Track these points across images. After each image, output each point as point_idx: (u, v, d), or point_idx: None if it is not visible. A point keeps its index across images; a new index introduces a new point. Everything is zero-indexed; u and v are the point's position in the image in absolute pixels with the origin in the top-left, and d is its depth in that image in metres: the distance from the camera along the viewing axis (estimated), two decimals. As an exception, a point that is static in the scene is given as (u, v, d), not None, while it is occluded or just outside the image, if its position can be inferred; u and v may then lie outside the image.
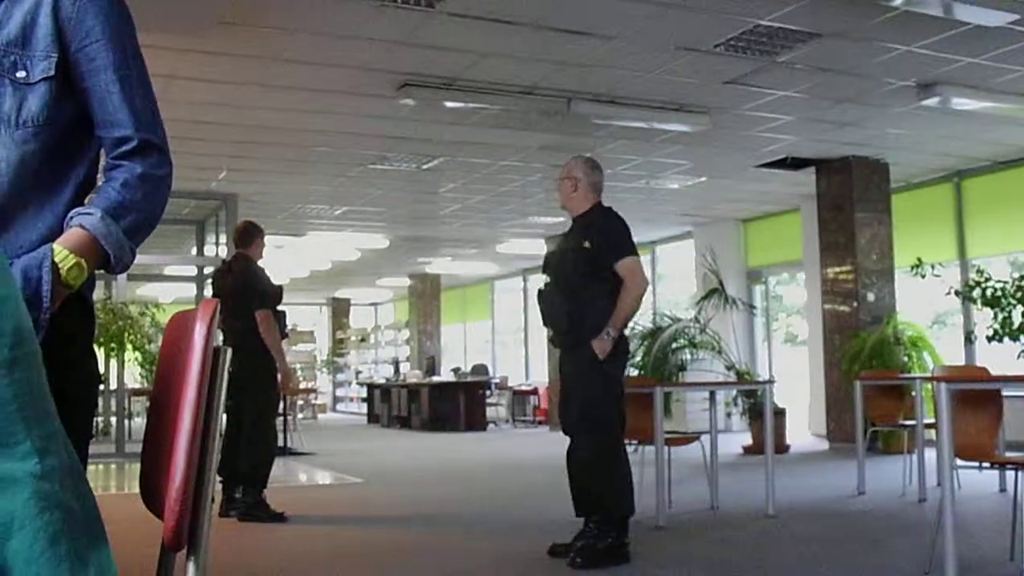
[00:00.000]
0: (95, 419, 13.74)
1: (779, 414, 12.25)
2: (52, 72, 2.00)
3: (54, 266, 1.89)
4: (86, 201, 2.10)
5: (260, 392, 7.38)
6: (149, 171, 2.08)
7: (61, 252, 1.91)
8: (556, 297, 5.81)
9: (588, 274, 5.68)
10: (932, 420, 7.14)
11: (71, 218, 1.99)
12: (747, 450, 12.31)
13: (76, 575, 1.23)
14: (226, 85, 8.84)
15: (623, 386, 5.85)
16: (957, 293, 9.88)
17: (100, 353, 12.57)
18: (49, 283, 1.87)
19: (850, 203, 12.45)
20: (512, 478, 10.65)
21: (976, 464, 5.30)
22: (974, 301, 9.43)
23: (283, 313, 7.66)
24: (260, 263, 7.67)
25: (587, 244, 5.72)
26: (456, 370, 20.87)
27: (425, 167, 12.30)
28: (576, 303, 5.68)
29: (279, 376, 7.47)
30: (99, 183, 2.13)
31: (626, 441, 5.97)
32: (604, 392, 5.69)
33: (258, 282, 7.49)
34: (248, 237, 7.68)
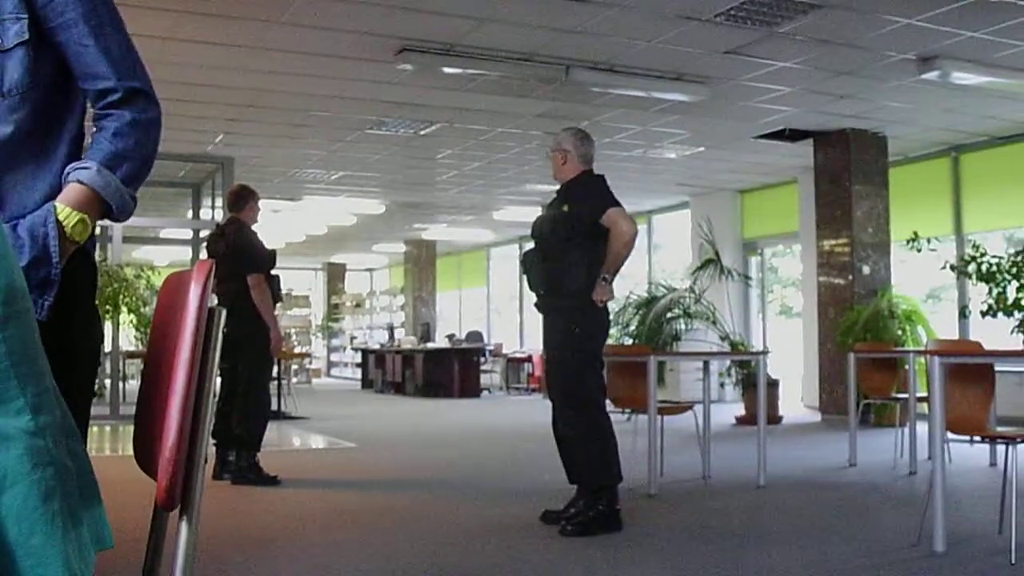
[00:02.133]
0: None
1: (772, 385, 12.29)
2: (26, 35, 1.99)
3: (58, 223, 1.91)
4: (83, 154, 2.10)
5: (254, 356, 7.38)
6: (138, 116, 2.08)
7: (64, 210, 1.93)
8: (536, 261, 5.88)
9: (566, 239, 5.72)
10: (925, 394, 7.16)
11: (68, 174, 1.99)
12: (740, 420, 12.35)
13: (69, 531, 1.24)
14: (223, 47, 8.79)
15: (601, 356, 5.88)
16: (952, 268, 9.89)
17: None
18: (56, 238, 1.89)
19: (847, 176, 12.43)
20: (505, 444, 10.69)
21: (967, 438, 5.32)
22: (969, 276, 9.43)
23: (277, 277, 7.63)
24: (255, 227, 7.64)
25: (566, 208, 5.78)
26: (451, 336, 20.89)
27: (423, 133, 12.27)
28: (553, 266, 5.73)
29: (271, 340, 7.46)
30: (88, 130, 2.13)
31: (617, 409, 6.00)
32: (581, 363, 5.74)
33: (250, 246, 7.47)
34: (241, 201, 7.66)
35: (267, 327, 7.39)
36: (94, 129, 2.09)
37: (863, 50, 8.93)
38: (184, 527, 1.47)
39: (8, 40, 1.98)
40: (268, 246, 7.63)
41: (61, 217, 1.92)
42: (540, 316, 5.99)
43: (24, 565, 1.18)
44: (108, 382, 12.93)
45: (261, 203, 7.86)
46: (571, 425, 5.73)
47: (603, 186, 5.85)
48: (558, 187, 6.00)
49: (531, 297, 6.09)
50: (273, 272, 7.57)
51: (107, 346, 13.73)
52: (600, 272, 5.67)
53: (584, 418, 5.71)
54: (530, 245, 6.09)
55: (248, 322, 7.24)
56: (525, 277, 6.09)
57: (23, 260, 1.88)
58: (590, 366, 5.77)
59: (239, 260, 7.32)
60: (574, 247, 5.68)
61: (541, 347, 6.06)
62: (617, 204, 5.73)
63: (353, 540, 5.57)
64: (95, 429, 11.71)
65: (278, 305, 7.77)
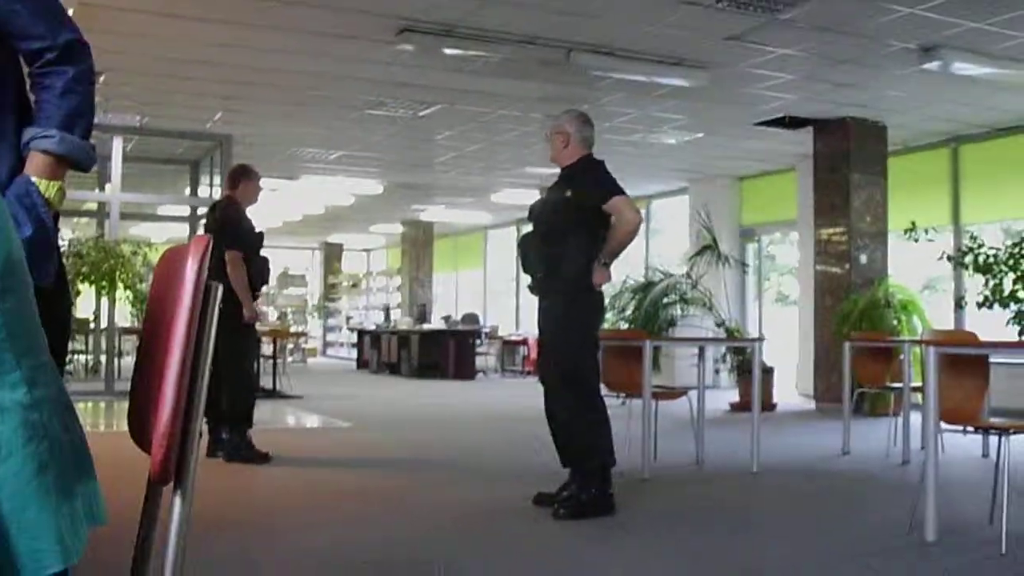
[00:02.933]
0: (86, 357, 13.59)
1: (767, 372, 12.30)
2: None
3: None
4: (33, 115, 2.11)
5: (234, 331, 7.34)
6: (80, 68, 2.12)
7: (41, 182, 1.97)
8: (535, 244, 5.86)
9: (567, 223, 5.70)
10: (919, 383, 7.18)
11: (29, 142, 2.02)
12: (734, 407, 12.36)
13: (62, 506, 1.24)
14: (223, 24, 8.75)
15: (598, 339, 5.88)
16: (949, 258, 9.88)
17: (91, 291, 12.56)
18: (45, 207, 1.92)
19: (846, 164, 12.42)
20: (499, 427, 10.70)
21: (961, 428, 5.33)
22: (966, 267, 9.43)
23: (265, 259, 7.64)
24: (252, 207, 7.65)
25: (568, 194, 5.75)
26: (447, 318, 20.90)
27: (422, 114, 12.24)
28: (553, 250, 5.71)
29: (244, 315, 7.40)
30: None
31: (610, 393, 6.01)
32: (578, 346, 5.73)
33: (232, 223, 7.46)
34: (235, 179, 7.69)
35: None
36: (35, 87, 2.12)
37: (864, 38, 8.92)
38: (178, 501, 1.47)
39: None
40: (257, 228, 7.64)
41: (42, 189, 1.96)
42: (535, 299, 5.98)
43: (17, 539, 1.18)
44: (103, 358, 12.92)
45: (257, 183, 7.83)
46: (566, 408, 5.73)
47: (607, 173, 5.84)
48: (558, 170, 5.98)
49: (526, 280, 6.08)
50: (262, 253, 7.58)
51: (103, 322, 13.74)
52: (598, 256, 5.68)
53: (580, 401, 5.71)
54: (528, 228, 6.08)
55: (226, 298, 7.19)
56: (521, 260, 6.08)
57: (26, 232, 1.90)
58: (587, 349, 5.77)
59: (221, 236, 7.32)
60: (574, 231, 5.68)
61: (537, 331, 6.04)
62: (622, 192, 5.72)
63: (346, 520, 5.57)
64: (89, 405, 11.72)
65: (266, 285, 7.77)
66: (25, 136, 2.04)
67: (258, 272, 7.56)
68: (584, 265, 5.67)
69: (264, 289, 7.94)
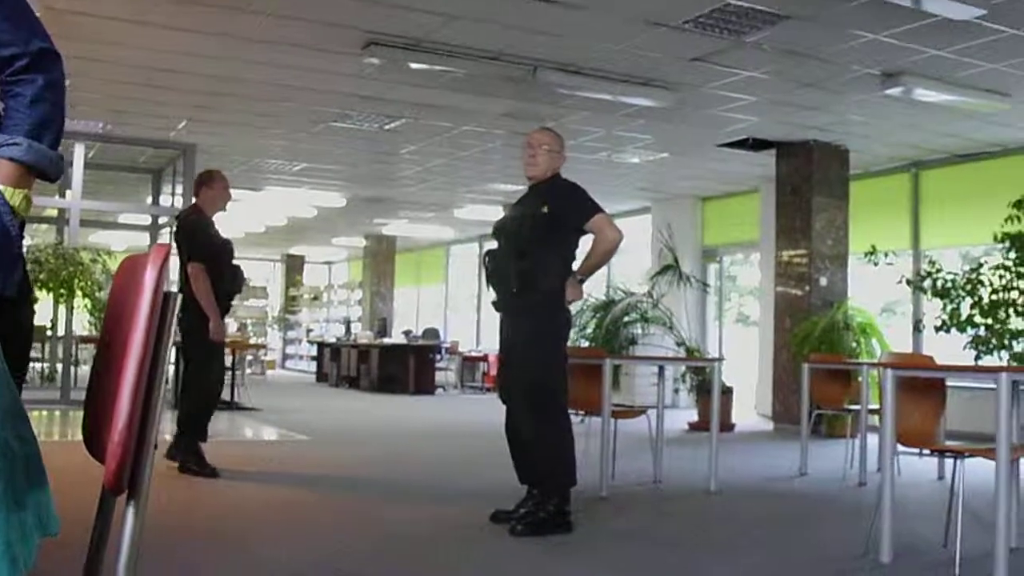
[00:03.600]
0: (42, 365, 13.43)
1: (726, 392, 12.35)
2: None
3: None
4: (2, 112, 2.10)
5: (198, 342, 7.27)
6: (50, 78, 2.10)
7: (7, 190, 1.96)
8: (508, 259, 5.78)
9: (543, 239, 5.67)
10: (876, 406, 7.24)
11: None
12: (693, 427, 12.40)
13: (12, 516, 1.22)
14: (190, 34, 8.70)
15: (566, 356, 5.86)
16: (908, 282, 9.99)
17: (49, 299, 12.43)
18: (10, 215, 1.92)
19: (808, 187, 12.51)
20: (457, 443, 10.67)
21: (917, 451, 5.37)
22: (924, 291, 9.54)
23: (236, 268, 7.53)
24: (219, 214, 7.50)
25: (545, 209, 5.73)
26: (407, 333, 20.86)
27: (387, 128, 12.22)
28: (527, 265, 5.66)
29: (210, 330, 7.28)
30: None
31: (571, 411, 6.00)
32: (547, 364, 5.71)
33: (193, 234, 7.35)
34: (198, 186, 7.58)
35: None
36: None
37: (828, 63, 8.99)
38: (131, 512, 1.45)
39: None
40: (224, 236, 7.50)
41: (7, 197, 1.94)
42: (498, 316, 5.94)
43: (-35, 547, 1.16)
44: (60, 367, 12.78)
45: (221, 189, 7.68)
46: (532, 425, 5.67)
47: (584, 191, 5.82)
48: (523, 187, 5.98)
49: (488, 296, 6.03)
50: (234, 263, 7.48)
51: (60, 330, 13.60)
52: (572, 272, 5.70)
53: (546, 419, 5.66)
54: (491, 244, 6.05)
55: (192, 310, 7.13)
56: (489, 276, 5.98)
57: None
58: (558, 366, 5.74)
59: (180, 248, 7.26)
60: (548, 247, 5.67)
61: (498, 347, 6.01)
62: (602, 210, 5.73)
63: (301, 534, 5.53)
64: (44, 413, 11.59)
65: (239, 294, 7.69)
66: None
67: (229, 282, 7.44)
68: (558, 281, 5.67)
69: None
